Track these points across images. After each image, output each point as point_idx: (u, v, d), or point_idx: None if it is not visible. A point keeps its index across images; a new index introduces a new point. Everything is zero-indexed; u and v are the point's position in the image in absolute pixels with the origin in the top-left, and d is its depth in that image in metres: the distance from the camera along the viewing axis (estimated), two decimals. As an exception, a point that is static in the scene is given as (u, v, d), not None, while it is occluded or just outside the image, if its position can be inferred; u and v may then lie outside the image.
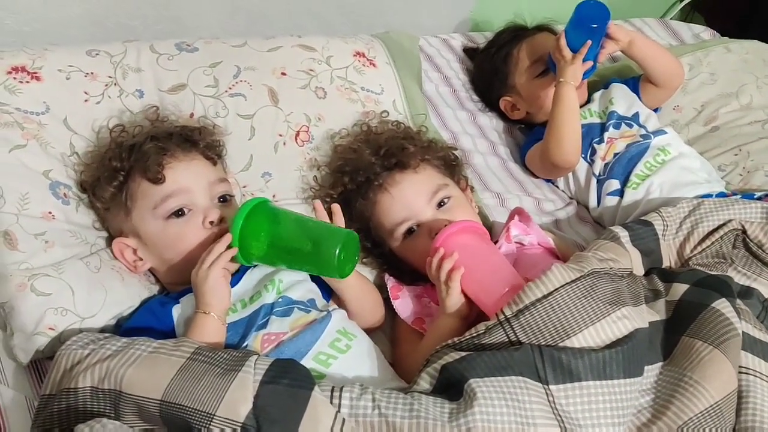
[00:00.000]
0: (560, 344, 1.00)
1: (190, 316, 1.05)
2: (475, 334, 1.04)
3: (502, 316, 1.03)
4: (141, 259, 1.16)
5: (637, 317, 1.04)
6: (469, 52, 1.89)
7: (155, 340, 0.94)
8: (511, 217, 1.34)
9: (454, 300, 1.13)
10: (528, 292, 1.03)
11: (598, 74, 1.80)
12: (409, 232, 1.25)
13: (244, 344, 1.06)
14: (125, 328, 1.08)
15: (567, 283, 1.03)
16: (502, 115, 1.78)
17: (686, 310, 1.10)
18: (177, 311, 1.09)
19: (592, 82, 1.73)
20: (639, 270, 1.23)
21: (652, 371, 1.02)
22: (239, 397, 0.86)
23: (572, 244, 1.44)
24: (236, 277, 1.15)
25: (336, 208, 1.18)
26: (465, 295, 1.14)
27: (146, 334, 1.00)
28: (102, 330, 1.09)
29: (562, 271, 1.05)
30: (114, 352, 0.92)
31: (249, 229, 1.08)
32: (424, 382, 0.98)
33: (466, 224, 1.19)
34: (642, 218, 1.31)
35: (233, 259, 1.09)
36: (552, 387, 0.95)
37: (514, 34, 1.75)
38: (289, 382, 0.88)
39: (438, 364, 0.98)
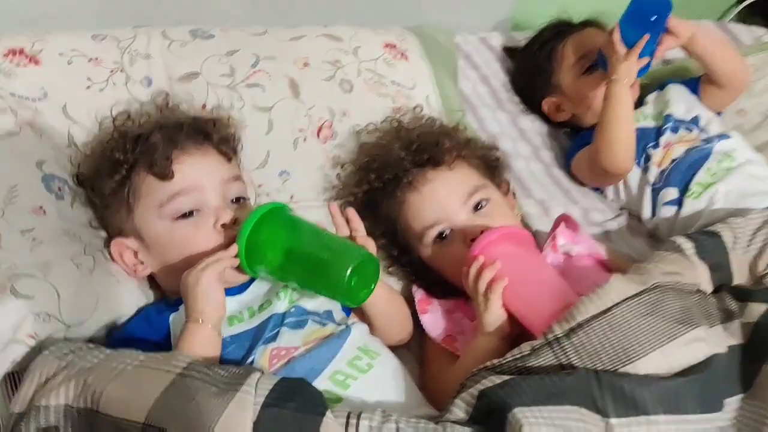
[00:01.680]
0: (621, 369, 0.85)
1: (189, 326, 0.92)
2: (518, 356, 0.89)
3: (551, 335, 0.88)
4: (142, 263, 1.04)
5: (713, 340, 0.89)
6: (509, 52, 1.75)
7: (143, 352, 0.81)
8: (556, 224, 1.19)
9: (494, 316, 0.99)
10: (582, 307, 0.89)
11: (651, 76, 1.65)
12: (441, 237, 1.12)
13: (250, 359, 0.93)
14: (116, 338, 0.96)
15: (628, 298, 0.89)
16: (546, 118, 1.63)
17: (766, 333, 0.94)
18: (175, 320, 0.96)
19: (643, 84, 1.58)
20: (707, 286, 1.06)
21: (731, 405, 0.86)
22: (236, 422, 0.73)
23: (626, 258, 1.28)
24: (244, 284, 1.02)
25: (351, 213, 1.04)
26: (507, 312, 0.99)
27: (139, 345, 0.88)
28: (90, 340, 0.97)
29: (623, 284, 0.90)
30: (95, 365, 0.79)
31: (262, 236, 0.95)
32: (459, 410, 0.83)
33: (509, 230, 1.05)
34: (707, 229, 1.15)
35: (239, 270, 0.96)
36: (613, 420, 0.80)
37: (558, 30, 1.60)
38: (297, 405, 0.75)
39: (475, 389, 0.84)
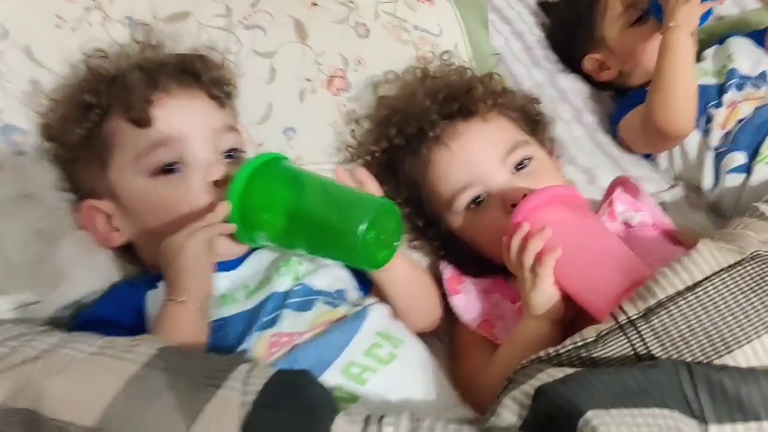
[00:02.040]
0: (716, 361, 0.67)
1: (170, 306, 0.75)
2: (580, 343, 0.71)
3: (623, 317, 0.70)
4: (117, 230, 0.87)
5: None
6: (545, 5, 1.57)
7: (104, 336, 0.63)
8: (611, 189, 1.01)
9: (545, 295, 0.81)
10: (662, 281, 0.70)
11: (707, 31, 1.46)
12: (476, 202, 0.94)
13: (242, 348, 0.75)
14: (80, 320, 0.79)
15: (723, 270, 0.70)
16: (587, 77, 1.44)
17: None
18: (152, 298, 0.79)
19: (700, 39, 1.39)
20: (798, 262, 0.88)
21: None
22: (217, 428, 0.54)
23: (691, 231, 1.09)
24: (239, 258, 0.85)
25: (362, 173, 0.86)
26: (560, 290, 0.82)
27: (107, 330, 0.70)
28: (51, 323, 0.79)
29: (714, 252, 0.71)
30: (41, 353, 0.62)
31: (257, 194, 0.78)
32: (509, 412, 0.64)
33: (558, 190, 0.87)
34: (791, 194, 0.96)
35: (234, 239, 0.79)
36: (713, 428, 0.61)
37: (603, -25, 1.41)
38: (297, 407, 0.57)
39: (529, 386, 0.65)
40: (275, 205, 0.77)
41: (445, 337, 0.97)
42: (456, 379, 0.90)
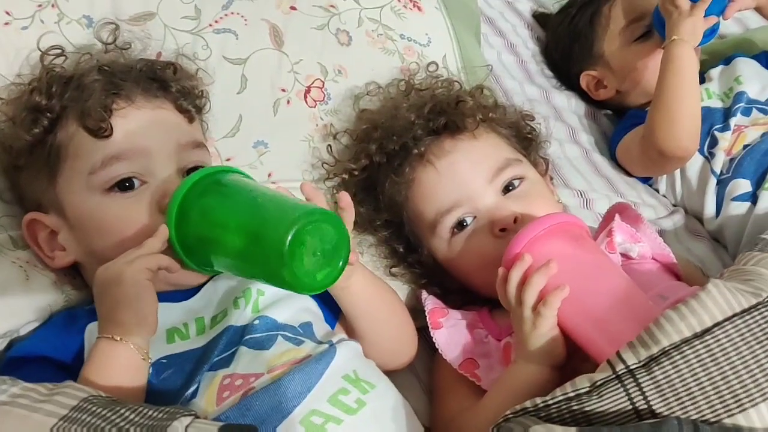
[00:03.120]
0: (727, 420, 0.59)
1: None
2: (572, 394, 0.63)
3: (621, 366, 0.62)
4: (63, 249, 0.78)
5: None
6: (540, 18, 1.51)
7: (21, 382, 0.55)
8: (609, 216, 0.93)
9: (546, 337, 0.73)
10: (667, 326, 0.62)
11: (710, 51, 1.40)
12: (461, 225, 0.86)
13: (190, 391, 0.66)
14: (9, 357, 0.71)
15: (736, 315, 0.63)
16: (584, 95, 1.38)
17: None
18: (93, 332, 0.70)
19: (703, 60, 1.32)
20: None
21: None
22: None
23: (690, 264, 1.02)
24: (194, 287, 0.77)
25: (345, 199, 0.77)
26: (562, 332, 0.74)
27: (40, 369, 0.66)
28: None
29: (726, 294, 0.63)
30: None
31: (192, 214, 0.70)
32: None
33: (562, 218, 0.79)
34: (805, 228, 0.88)
35: (184, 266, 0.71)
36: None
37: (603, -12, 1.35)
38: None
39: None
40: (208, 224, 0.69)
41: (424, 375, 0.89)
42: (435, 421, 0.83)
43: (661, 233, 1.18)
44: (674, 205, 1.26)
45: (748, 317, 0.62)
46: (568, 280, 0.72)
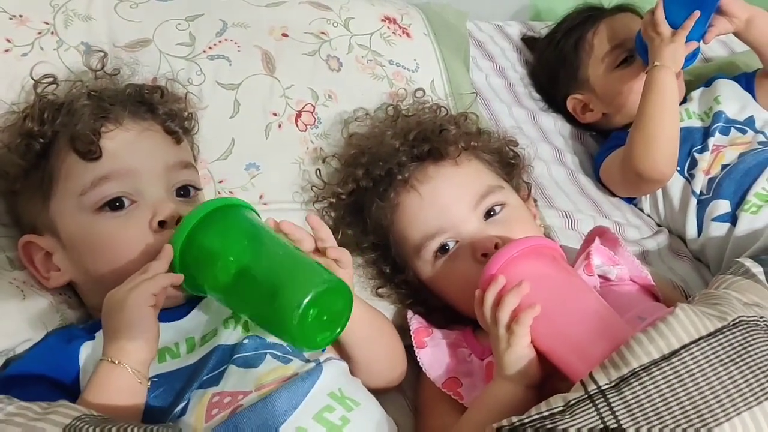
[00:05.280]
0: (693, 440, 0.60)
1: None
2: (546, 413, 0.65)
3: (593, 387, 0.64)
4: (58, 269, 0.81)
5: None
6: (529, 42, 1.53)
7: (17, 401, 0.57)
8: (590, 240, 0.95)
9: (519, 356, 0.75)
10: (637, 348, 0.65)
11: (694, 73, 1.43)
12: (444, 250, 0.89)
13: (179, 408, 0.68)
14: (5, 376, 0.73)
15: (702, 338, 0.65)
16: (570, 117, 1.40)
17: None
18: (87, 351, 0.73)
19: (686, 81, 1.35)
20: (785, 323, 0.82)
21: None
22: None
23: (670, 285, 1.04)
24: (185, 308, 0.79)
25: (315, 221, 0.78)
26: (536, 351, 0.76)
27: (36, 387, 0.67)
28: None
29: (693, 318, 0.66)
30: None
31: (204, 244, 0.72)
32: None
33: (536, 242, 0.81)
34: (779, 250, 0.91)
35: (180, 288, 0.74)
36: None
37: (588, 15, 1.39)
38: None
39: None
40: (218, 259, 0.71)
41: (410, 392, 0.91)
42: (419, 437, 0.85)
43: (645, 253, 1.21)
44: (659, 225, 1.28)
45: (713, 340, 0.64)
46: (540, 300, 0.74)
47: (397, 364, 0.87)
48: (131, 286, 0.70)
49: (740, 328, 0.66)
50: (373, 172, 0.92)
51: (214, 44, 1.02)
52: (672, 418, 0.62)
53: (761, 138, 1.23)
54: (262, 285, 0.68)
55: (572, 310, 0.76)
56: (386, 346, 0.86)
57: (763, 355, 0.64)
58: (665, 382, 0.63)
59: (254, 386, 0.70)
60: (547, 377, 0.79)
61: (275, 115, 1.02)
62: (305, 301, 0.65)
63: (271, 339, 0.76)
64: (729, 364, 0.63)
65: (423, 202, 0.89)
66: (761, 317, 0.71)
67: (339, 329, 0.71)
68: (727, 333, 0.65)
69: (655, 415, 0.62)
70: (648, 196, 1.28)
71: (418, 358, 0.87)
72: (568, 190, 1.27)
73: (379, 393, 0.81)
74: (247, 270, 0.69)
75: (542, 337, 0.75)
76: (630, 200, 1.30)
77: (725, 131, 1.25)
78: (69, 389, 0.69)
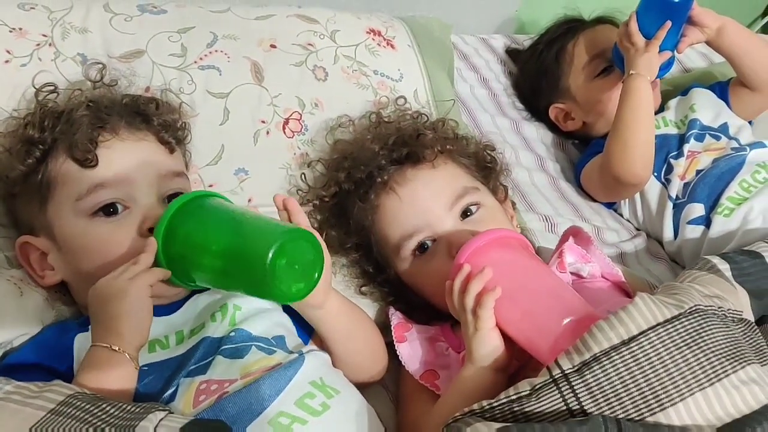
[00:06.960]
0: (649, 418, 0.65)
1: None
2: (514, 397, 0.69)
3: (557, 371, 0.68)
4: (52, 269, 0.84)
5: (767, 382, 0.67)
6: (513, 54, 1.58)
7: (14, 381, 0.61)
8: (564, 239, 0.99)
9: (486, 339, 0.78)
10: (598, 334, 0.69)
11: (672, 83, 1.48)
12: (422, 248, 0.92)
13: (167, 394, 0.72)
14: (4, 365, 0.76)
15: (659, 324, 0.69)
16: (552, 126, 1.45)
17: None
18: (81, 342, 0.76)
19: (664, 91, 1.40)
20: (748, 316, 0.86)
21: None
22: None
23: (645, 283, 1.07)
24: (175, 304, 0.83)
25: (292, 202, 0.82)
26: (504, 335, 0.79)
27: (33, 375, 0.69)
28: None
29: (651, 306, 0.70)
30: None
31: (179, 233, 0.77)
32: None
33: (500, 233, 0.85)
34: (746, 248, 0.95)
35: (169, 282, 0.77)
36: (640, 489, 0.59)
37: (568, 27, 1.44)
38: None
39: (456, 441, 0.63)
40: (192, 242, 0.75)
41: (392, 386, 0.94)
42: (400, 427, 0.88)
43: (623, 255, 1.25)
44: (638, 229, 1.31)
45: (669, 326, 0.68)
46: (503, 283, 0.77)
47: (378, 359, 0.90)
48: (130, 276, 0.73)
49: (696, 315, 0.70)
50: (354, 176, 0.95)
51: (205, 55, 1.06)
52: (630, 399, 0.65)
53: (734, 144, 1.26)
54: (237, 254, 0.72)
55: (533, 290, 0.79)
56: (366, 340, 0.89)
57: (716, 340, 0.68)
58: (624, 366, 0.66)
59: (240, 375, 0.74)
60: (521, 368, 0.83)
61: (263, 122, 1.06)
62: (271, 253, 0.68)
63: (257, 332, 0.80)
64: (684, 348, 0.67)
65: (402, 203, 0.93)
66: (719, 307, 0.75)
67: (316, 275, 0.74)
68: (683, 320, 0.69)
69: (614, 396, 0.66)
70: (627, 201, 1.31)
71: (397, 352, 0.91)
72: (549, 195, 1.30)
73: (362, 386, 0.84)
74: (224, 245, 0.73)
75: (508, 320, 0.78)
76: (610, 205, 1.34)
77: (700, 138, 1.28)
78: (64, 377, 0.72)
